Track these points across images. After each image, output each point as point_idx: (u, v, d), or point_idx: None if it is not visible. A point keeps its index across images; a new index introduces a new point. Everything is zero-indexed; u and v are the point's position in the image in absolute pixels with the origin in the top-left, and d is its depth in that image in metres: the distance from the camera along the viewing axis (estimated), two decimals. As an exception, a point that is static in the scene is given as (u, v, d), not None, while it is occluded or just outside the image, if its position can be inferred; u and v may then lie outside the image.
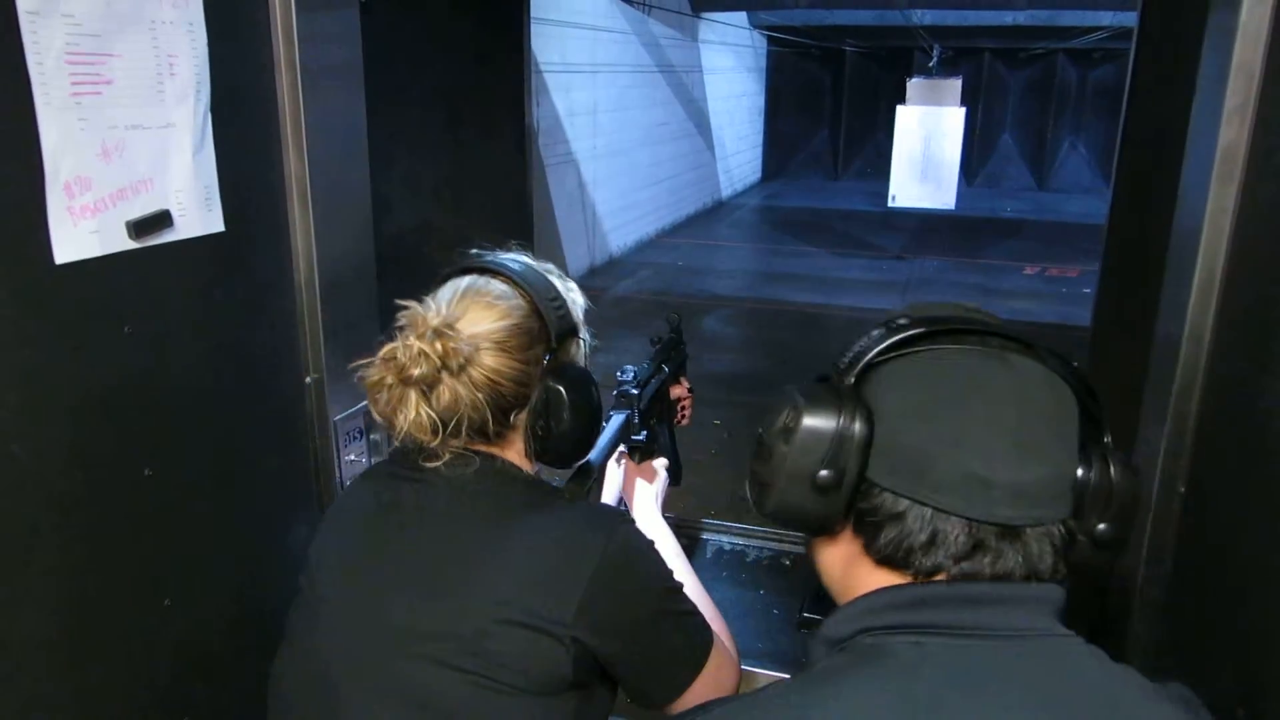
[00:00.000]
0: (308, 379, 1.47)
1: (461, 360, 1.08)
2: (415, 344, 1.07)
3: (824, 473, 0.83)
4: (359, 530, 1.17)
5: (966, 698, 0.75)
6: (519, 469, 1.17)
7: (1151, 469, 1.25)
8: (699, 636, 1.16)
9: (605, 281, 9.72)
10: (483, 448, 1.15)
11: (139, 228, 1.15)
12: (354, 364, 1.13)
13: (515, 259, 1.20)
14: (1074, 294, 9.01)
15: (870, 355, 0.86)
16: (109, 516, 1.16)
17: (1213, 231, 1.14)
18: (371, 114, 1.51)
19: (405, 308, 1.13)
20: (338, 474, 1.53)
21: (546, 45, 8.35)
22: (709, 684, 1.14)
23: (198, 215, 1.24)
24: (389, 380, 1.08)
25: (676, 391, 1.63)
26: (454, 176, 1.91)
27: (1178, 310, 1.19)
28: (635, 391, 1.47)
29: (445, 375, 1.08)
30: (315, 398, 1.48)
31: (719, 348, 7.41)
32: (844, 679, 0.79)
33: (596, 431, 1.22)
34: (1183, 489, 1.22)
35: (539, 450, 1.17)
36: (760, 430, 0.91)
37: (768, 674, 1.46)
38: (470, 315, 1.12)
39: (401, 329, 1.11)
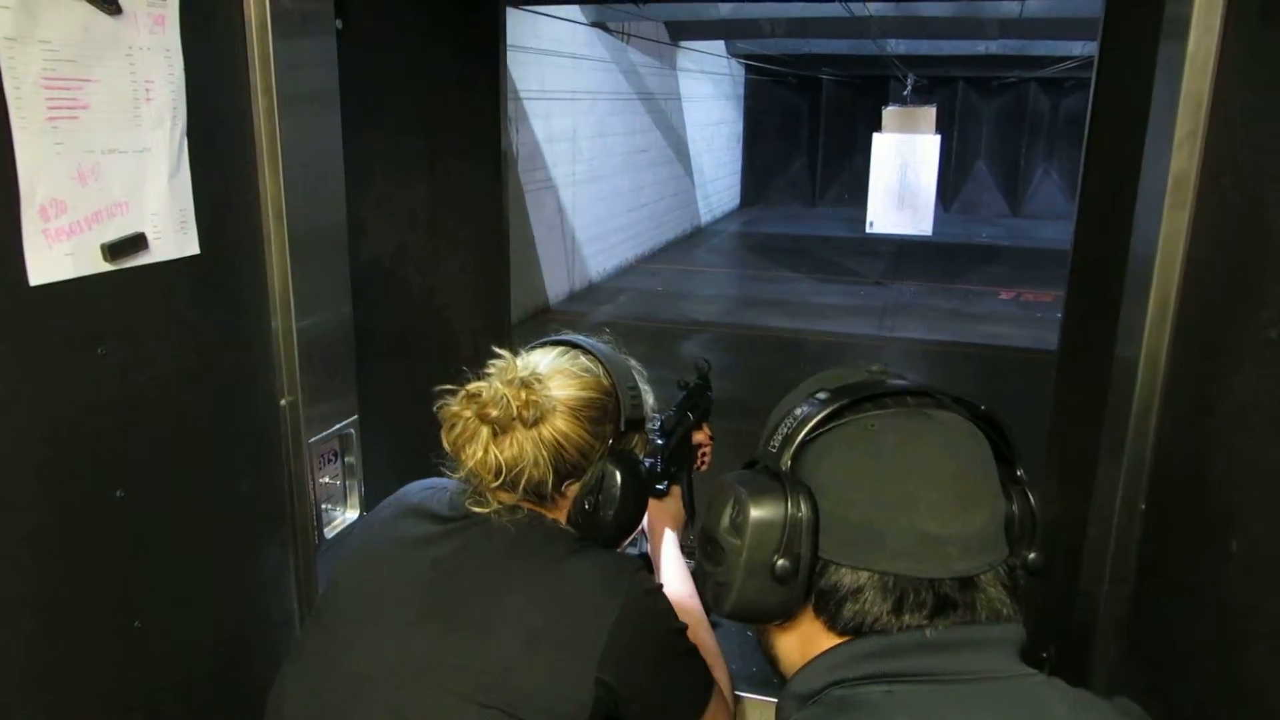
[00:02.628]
0: (283, 401, 1.48)
1: (537, 414, 1.14)
2: (500, 388, 1.13)
3: (781, 562, 0.84)
4: (391, 559, 1.19)
5: None
6: (563, 525, 1.21)
7: (1113, 487, 1.28)
8: (703, 676, 1.20)
9: (585, 307, 9.75)
10: (532, 507, 1.19)
11: (114, 250, 1.15)
12: (438, 388, 1.17)
13: (605, 344, 1.28)
14: (1049, 318, 9.11)
15: (802, 435, 0.87)
16: (80, 537, 1.16)
17: (1166, 256, 1.17)
18: (347, 137, 1.53)
19: (500, 356, 1.19)
20: (312, 496, 1.53)
21: (526, 73, 8.42)
22: None
23: (173, 238, 1.25)
24: (466, 414, 1.14)
25: (698, 437, 1.63)
26: (429, 200, 1.93)
27: (1135, 333, 1.22)
28: (660, 441, 1.47)
29: (518, 425, 1.13)
30: (290, 420, 1.49)
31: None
32: None
33: (634, 526, 1.25)
34: (1143, 506, 1.25)
35: (579, 523, 1.20)
36: (704, 528, 0.91)
37: (742, 695, 1.47)
38: (556, 380, 1.18)
39: (489, 376, 1.17)
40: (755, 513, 0.84)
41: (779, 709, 0.89)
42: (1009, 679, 0.81)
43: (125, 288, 1.18)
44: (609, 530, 1.20)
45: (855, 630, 0.84)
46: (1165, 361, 1.20)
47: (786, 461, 0.87)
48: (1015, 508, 0.87)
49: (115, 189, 1.15)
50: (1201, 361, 1.13)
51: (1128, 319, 1.26)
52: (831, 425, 0.87)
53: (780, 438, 0.89)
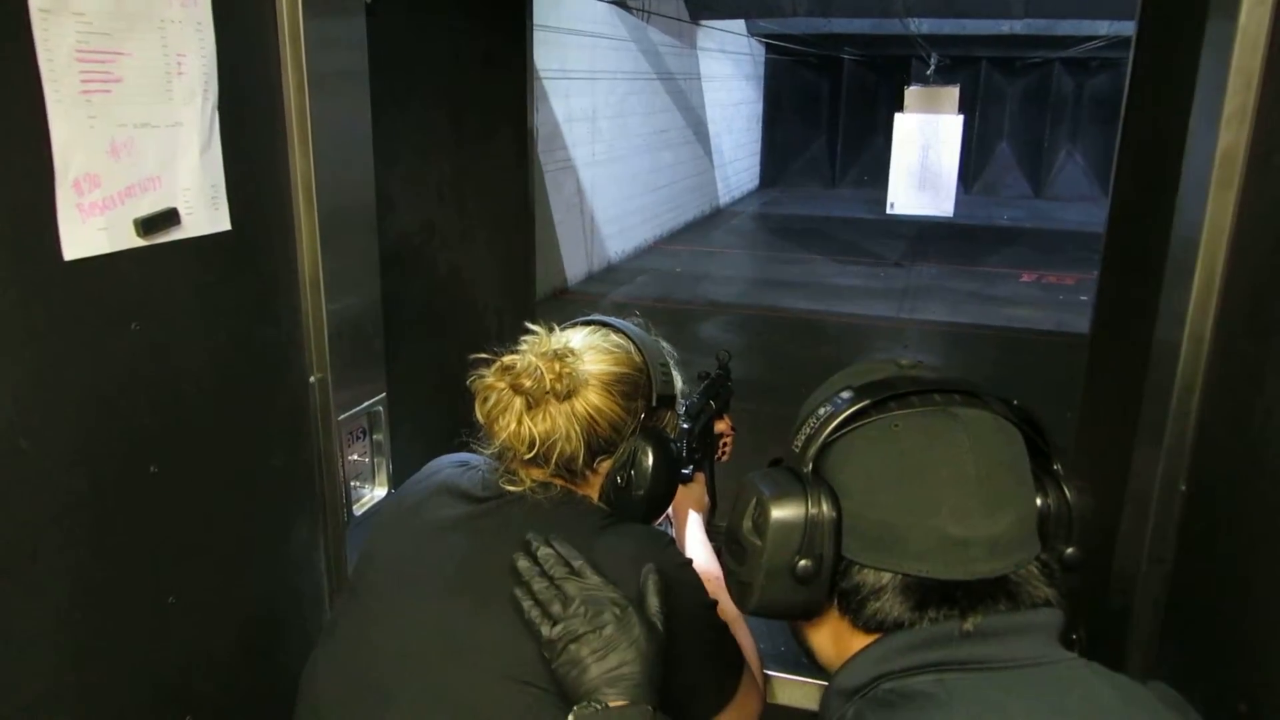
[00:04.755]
0: (312, 378, 1.48)
1: (570, 386, 1.14)
2: (533, 360, 1.14)
3: (803, 563, 0.84)
4: (425, 539, 1.19)
5: None
6: (595, 502, 1.21)
7: (1152, 469, 1.26)
8: (734, 654, 1.20)
9: (603, 288, 9.73)
10: (563, 483, 1.19)
11: (147, 225, 1.15)
12: (473, 356, 1.17)
13: (637, 324, 1.29)
14: (1071, 301, 9.04)
15: (825, 435, 0.86)
16: (114, 513, 1.16)
17: (1212, 235, 1.15)
18: (375, 115, 1.52)
19: (534, 332, 1.20)
20: (341, 473, 1.53)
21: (546, 52, 8.37)
22: (738, 704, 1.18)
23: (205, 213, 1.24)
24: (500, 385, 1.14)
25: (720, 427, 1.65)
26: (456, 178, 1.92)
27: (1178, 313, 1.20)
28: (686, 426, 1.48)
29: (551, 398, 1.14)
30: (320, 397, 1.49)
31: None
32: None
33: (666, 503, 1.25)
34: (1184, 488, 1.23)
35: (612, 499, 1.20)
36: (729, 527, 0.91)
37: (771, 674, 1.46)
38: (588, 355, 1.19)
39: (523, 350, 1.18)
40: (776, 513, 0.84)
41: (824, 704, 0.88)
42: (1054, 664, 0.81)
43: (158, 263, 1.18)
44: (641, 506, 1.19)
45: (878, 628, 0.84)
46: (1209, 342, 1.18)
47: (810, 461, 0.87)
48: (1050, 503, 0.86)
49: (148, 163, 1.15)
50: (1247, 342, 1.11)
51: (1169, 300, 1.24)
52: (855, 425, 0.86)
53: (804, 437, 0.89)
